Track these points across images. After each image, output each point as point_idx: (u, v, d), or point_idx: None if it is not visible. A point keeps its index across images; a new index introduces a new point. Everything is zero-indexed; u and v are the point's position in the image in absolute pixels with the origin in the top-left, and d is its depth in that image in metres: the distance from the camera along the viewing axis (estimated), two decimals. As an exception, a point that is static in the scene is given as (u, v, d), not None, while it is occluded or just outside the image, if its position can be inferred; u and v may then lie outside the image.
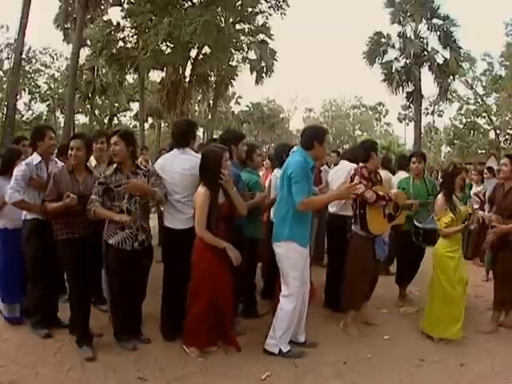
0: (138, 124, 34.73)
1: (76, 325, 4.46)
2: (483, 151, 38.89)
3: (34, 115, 33.14)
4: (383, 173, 6.06)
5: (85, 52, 26.99)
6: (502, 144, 37.03)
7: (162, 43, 20.15)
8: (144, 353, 4.37)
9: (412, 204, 5.57)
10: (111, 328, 4.64)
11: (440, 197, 5.04)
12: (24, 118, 31.60)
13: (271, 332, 4.46)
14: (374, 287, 5.45)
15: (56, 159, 5.10)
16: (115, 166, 4.37)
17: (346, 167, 5.70)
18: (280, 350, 4.41)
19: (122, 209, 4.30)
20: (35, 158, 4.76)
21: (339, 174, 5.83)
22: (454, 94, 35.37)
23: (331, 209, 5.83)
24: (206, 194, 4.16)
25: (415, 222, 5.53)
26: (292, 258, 4.35)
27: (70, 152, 4.40)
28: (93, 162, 5.26)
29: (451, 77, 28.27)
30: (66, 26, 27.81)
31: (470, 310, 5.63)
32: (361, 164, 5.22)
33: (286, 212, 4.36)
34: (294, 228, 4.34)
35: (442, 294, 4.89)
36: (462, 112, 39.68)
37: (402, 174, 6.85)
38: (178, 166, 4.60)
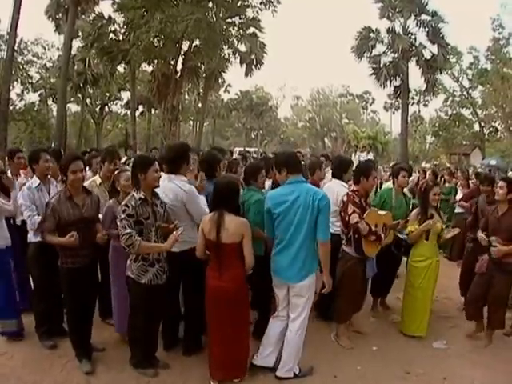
0: (128, 112, 34.91)
1: (75, 346, 4.49)
2: (467, 143, 39.45)
3: (27, 105, 33.07)
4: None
5: (76, 43, 26.96)
6: (486, 136, 37.63)
7: (153, 39, 20.23)
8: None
9: (398, 223, 5.67)
10: (114, 342, 4.86)
11: (415, 210, 5.69)
12: (17, 108, 31.63)
13: (285, 359, 4.35)
14: (364, 300, 5.67)
15: (54, 181, 5.09)
16: (140, 195, 4.06)
17: (334, 189, 5.57)
18: (294, 373, 4.39)
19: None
20: (34, 181, 4.84)
21: (329, 194, 5.09)
22: (440, 86, 35.69)
23: None
24: None
25: (398, 234, 5.83)
26: (314, 283, 4.37)
27: (70, 176, 4.21)
28: (97, 180, 5.24)
29: (438, 71, 28.72)
30: (57, 16, 27.62)
31: (455, 319, 5.99)
32: (353, 188, 5.32)
33: (314, 245, 4.26)
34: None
35: (408, 298, 5.59)
36: (448, 104, 40.01)
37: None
38: (164, 196, 4.46)
